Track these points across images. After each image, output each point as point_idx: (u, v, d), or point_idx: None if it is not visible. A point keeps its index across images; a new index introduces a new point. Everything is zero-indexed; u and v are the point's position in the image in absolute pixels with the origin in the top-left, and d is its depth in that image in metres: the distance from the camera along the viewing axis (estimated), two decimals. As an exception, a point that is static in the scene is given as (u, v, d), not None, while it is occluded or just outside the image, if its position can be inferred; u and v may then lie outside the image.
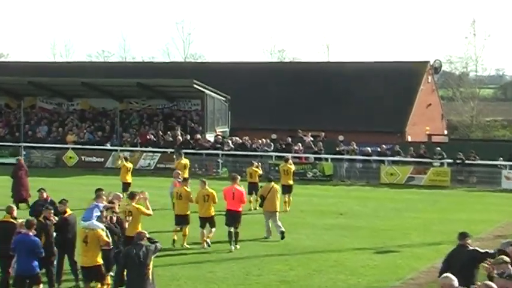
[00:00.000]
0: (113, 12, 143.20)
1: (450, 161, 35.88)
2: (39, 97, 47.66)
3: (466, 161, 35.71)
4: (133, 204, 17.35)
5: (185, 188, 20.71)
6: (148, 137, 41.96)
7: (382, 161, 36.98)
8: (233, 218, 20.27)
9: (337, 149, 37.92)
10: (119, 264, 13.86)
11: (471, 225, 22.60)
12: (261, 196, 22.21)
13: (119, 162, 30.91)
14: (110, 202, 16.45)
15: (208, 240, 20.30)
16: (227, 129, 44.88)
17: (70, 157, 41.81)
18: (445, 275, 9.92)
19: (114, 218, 15.93)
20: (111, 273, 15.36)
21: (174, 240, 20.20)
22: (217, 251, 20.00)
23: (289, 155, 33.09)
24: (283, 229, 21.48)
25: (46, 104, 47.86)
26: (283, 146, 39.17)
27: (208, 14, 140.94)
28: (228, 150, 39.53)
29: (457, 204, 30.08)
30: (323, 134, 41.68)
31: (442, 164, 36.10)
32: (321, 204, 29.09)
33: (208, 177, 27.71)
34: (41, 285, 14.94)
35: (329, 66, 59.40)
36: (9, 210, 15.99)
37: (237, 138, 40.88)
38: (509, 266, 10.67)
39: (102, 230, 14.89)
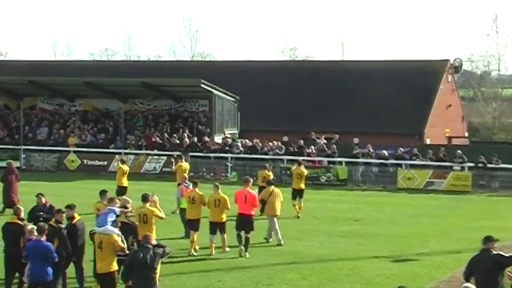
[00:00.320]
0: (117, 9, 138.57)
1: (471, 164, 35.41)
2: (40, 97, 47.16)
3: (488, 165, 35.18)
4: (147, 206, 17.16)
5: (197, 191, 20.54)
6: (153, 139, 41.57)
7: (400, 165, 36.56)
8: (245, 222, 20.21)
9: (353, 152, 37.63)
10: (124, 265, 13.90)
11: (493, 232, 21.53)
12: (261, 200, 22.12)
13: (115, 164, 30.78)
14: (122, 207, 16.24)
15: (227, 249, 20.23)
16: (236, 131, 44.35)
17: (72, 160, 41.29)
18: (465, 284, 10.02)
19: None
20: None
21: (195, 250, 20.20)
22: (225, 258, 19.82)
23: (301, 159, 32.35)
24: (280, 237, 21.52)
25: (47, 104, 47.35)
26: (295, 149, 38.77)
27: (217, 10, 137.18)
28: (238, 154, 39.05)
29: (478, 210, 29.66)
30: (337, 136, 41.80)
31: (462, 168, 35.65)
32: (335, 210, 28.86)
33: (216, 182, 27.24)
34: None
35: (343, 65, 58.26)
36: (16, 212, 16.16)
37: (247, 141, 40.56)
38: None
39: (118, 235, 14.85)
